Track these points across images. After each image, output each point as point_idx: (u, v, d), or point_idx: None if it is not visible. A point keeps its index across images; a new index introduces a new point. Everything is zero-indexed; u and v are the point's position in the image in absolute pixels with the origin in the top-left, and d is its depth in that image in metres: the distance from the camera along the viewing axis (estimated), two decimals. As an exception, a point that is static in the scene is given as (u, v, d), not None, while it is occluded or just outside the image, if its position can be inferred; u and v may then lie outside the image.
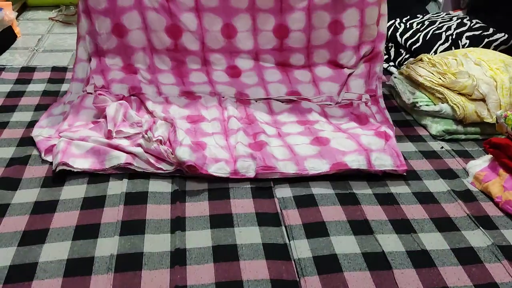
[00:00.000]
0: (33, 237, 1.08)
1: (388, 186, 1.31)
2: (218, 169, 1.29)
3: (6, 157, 1.35)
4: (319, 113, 1.60)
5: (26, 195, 1.21)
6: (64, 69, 1.92)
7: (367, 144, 1.40)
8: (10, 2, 2.27)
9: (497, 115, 1.37)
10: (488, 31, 1.99)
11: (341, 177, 1.32)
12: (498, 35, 1.96)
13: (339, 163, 1.32)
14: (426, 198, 1.28)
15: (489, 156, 1.38)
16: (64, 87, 1.77)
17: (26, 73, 1.87)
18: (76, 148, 1.33)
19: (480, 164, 1.38)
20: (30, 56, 2.05)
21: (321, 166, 1.32)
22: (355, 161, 1.33)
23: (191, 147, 1.31)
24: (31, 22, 2.45)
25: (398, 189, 1.31)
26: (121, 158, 1.30)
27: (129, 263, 1.03)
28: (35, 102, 1.66)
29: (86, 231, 1.10)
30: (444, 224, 1.18)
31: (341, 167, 1.31)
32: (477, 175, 1.34)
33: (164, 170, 1.30)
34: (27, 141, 1.41)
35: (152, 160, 1.30)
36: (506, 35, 1.96)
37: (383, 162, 1.34)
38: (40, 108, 1.61)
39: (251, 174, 1.29)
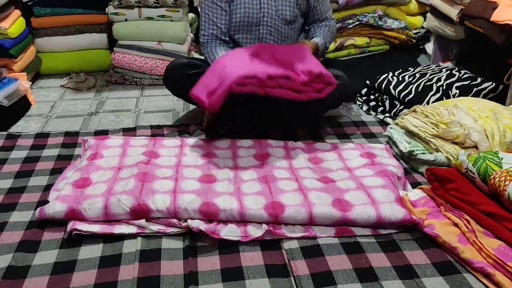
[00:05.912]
0: (54, 297, 1.14)
1: (390, 233, 1.37)
2: (229, 232, 1.34)
3: (25, 220, 1.42)
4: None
5: (46, 257, 1.27)
6: (76, 134, 2.01)
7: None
8: (25, 73, 2.41)
9: (460, 153, 1.44)
10: (477, 80, 2.10)
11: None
12: (486, 84, 2.07)
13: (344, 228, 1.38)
14: (428, 244, 1.33)
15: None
16: (77, 151, 1.86)
17: (40, 139, 1.96)
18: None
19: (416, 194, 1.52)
20: (44, 123, 2.16)
21: (327, 231, 1.37)
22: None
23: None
24: (44, 90, 2.58)
25: (400, 236, 1.36)
26: (132, 229, 1.36)
27: (146, 319, 1.07)
28: (50, 166, 1.74)
29: (104, 289, 1.16)
30: (446, 268, 1.23)
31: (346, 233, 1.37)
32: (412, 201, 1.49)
33: (175, 232, 1.36)
34: (44, 204, 1.45)
35: (162, 227, 1.37)
36: (494, 84, 2.06)
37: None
38: (55, 172, 1.69)
39: (260, 234, 1.33)
